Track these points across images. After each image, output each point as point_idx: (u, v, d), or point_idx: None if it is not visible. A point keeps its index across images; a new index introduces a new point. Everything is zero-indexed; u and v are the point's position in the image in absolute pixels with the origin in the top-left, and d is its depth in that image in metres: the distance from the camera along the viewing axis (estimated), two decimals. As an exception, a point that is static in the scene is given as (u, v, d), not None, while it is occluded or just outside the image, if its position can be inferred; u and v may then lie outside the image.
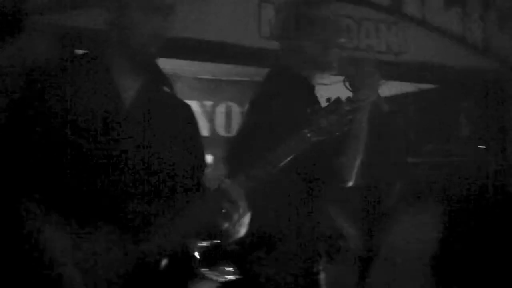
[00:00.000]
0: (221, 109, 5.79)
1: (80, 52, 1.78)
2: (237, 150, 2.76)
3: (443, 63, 3.81)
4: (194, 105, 5.58)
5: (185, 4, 2.75)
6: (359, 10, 3.54)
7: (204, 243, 4.02)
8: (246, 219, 1.63)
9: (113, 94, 1.63)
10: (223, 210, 1.54)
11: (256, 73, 3.91)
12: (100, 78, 1.63)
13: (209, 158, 5.04)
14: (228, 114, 5.80)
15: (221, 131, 5.63)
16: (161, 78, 1.78)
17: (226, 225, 1.57)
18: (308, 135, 1.66)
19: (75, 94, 1.57)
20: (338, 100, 1.71)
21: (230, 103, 5.79)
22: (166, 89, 1.78)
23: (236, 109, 5.76)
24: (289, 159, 1.63)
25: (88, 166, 1.53)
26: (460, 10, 3.93)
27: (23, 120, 1.54)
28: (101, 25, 1.68)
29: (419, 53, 3.77)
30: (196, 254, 3.88)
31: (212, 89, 5.69)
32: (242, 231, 1.65)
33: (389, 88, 4.78)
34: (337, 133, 1.71)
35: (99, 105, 1.59)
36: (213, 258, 4.12)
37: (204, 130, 5.72)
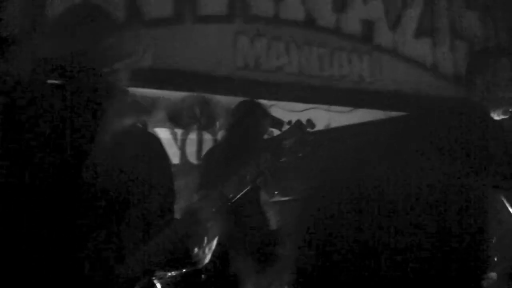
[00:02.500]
0: (192, 136, 5.75)
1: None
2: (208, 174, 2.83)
3: (414, 92, 3.89)
4: (165, 132, 5.56)
5: (161, 36, 2.75)
6: (332, 40, 3.59)
7: (173, 273, 3.99)
8: (215, 242, 1.61)
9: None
10: (193, 234, 1.53)
11: (231, 102, 3.93)
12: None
13: (180, 186, 5.00)
14: (200, 142, 5.76)
15: (192, 159, 5.57)
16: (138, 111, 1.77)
17: (196, 249, 1.56)
18: (273, 156, 1.68)
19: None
20: (298, 122, 1.76)
21: (202, 131, 5.76)
22: (139, 124, 1.77)
23: (208, 137, 5.73)
24: (258, 178, 1.65)
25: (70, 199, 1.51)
26: (429, 40, 4.03)
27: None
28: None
29: (391, 81, 3.83)
30: (158, 286, 3.87)
31: (185, 117, 5.66)
32: (209, 255, 1.64)
33: (362, 116, 4.86)
34: (300, 154, 1.74)
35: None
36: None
37: (175, 158, 5.68)
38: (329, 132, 5.21)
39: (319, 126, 5.48)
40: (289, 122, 2.74)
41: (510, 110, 2.17)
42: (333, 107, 5.21)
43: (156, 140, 1.85)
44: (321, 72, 3.51)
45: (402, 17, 3.93)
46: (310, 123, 1.78)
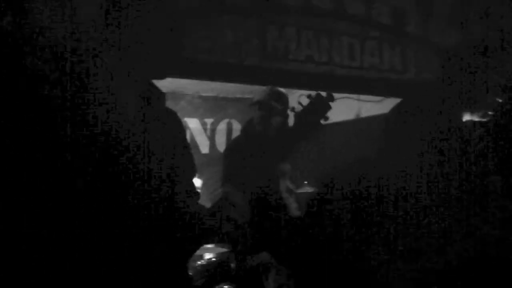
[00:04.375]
0: (222, 126, 5.79)
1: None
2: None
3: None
4: (195, 122, 5.60)
5: (190, 25, 2.76)
6: (362, 29, 3.56)
7: (204, 261, 4.05)
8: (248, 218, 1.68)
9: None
10: (230, 214, 1.59)
11: (258, 91, 3.92)
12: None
13: (210, 175, 5.03)
14: (229, 131, 5.80)
15: (222, 149, 5.61)
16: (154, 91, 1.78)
17: (233, 227, 1.61)
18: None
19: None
20: (319, 95, 1.83)
21: (231, 120, 5.79)
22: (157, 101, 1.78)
23: (237, 126, 5.76)
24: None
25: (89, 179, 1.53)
26: (462, 30, 3.97)
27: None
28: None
29: (422, 71, 3.78)
30: (190, 272, 3.93)
31: (214, 106, 5.71)
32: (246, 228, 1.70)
33: (392, 105, 4.80)
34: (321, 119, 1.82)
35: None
36: (214, 277, 4.15)
37: (205, 147, 5.73)
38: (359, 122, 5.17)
39: (350, 115, 5.46)
40: (309, 96, 2.72)
41: (490, 113, 2.14)
42: (364, 97, 5.18)
43: (173, 114, 1.88)
44: (351, 62, 3.48)
45: (434, 5, 3.86)
46: (329, 95, 1.81)
